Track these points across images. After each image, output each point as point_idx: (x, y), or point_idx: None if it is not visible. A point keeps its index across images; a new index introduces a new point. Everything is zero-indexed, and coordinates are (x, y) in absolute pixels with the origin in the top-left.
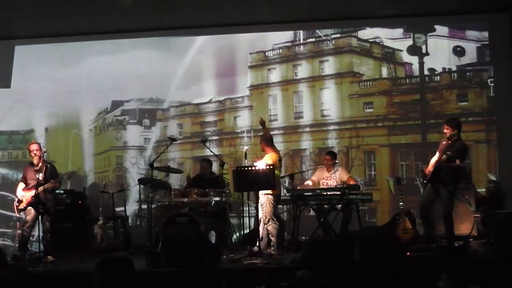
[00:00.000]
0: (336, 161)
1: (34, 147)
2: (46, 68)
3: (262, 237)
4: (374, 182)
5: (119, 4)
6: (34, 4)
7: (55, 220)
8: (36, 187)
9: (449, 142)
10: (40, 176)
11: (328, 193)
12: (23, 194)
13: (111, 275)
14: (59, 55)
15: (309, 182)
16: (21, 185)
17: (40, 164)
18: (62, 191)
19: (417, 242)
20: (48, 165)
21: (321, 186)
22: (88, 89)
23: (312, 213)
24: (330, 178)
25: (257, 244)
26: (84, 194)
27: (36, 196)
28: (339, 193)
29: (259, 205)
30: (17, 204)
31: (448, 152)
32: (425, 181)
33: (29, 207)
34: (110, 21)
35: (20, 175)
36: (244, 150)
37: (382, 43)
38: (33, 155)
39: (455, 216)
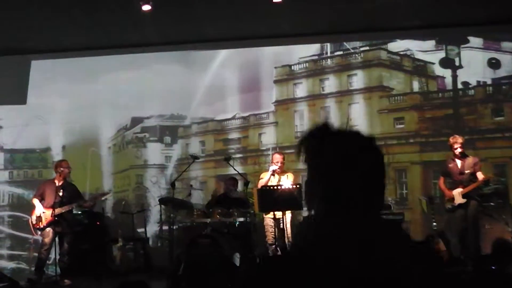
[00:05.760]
0: None
1: (65, 164)
2: (63, 83)
3: None
4: (406, 202)
5: (139, 17)
6: (51, 18)
7: (73, 242)
8: (58, 205)
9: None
10: (62, 194)
11: None
12: (44, 211)
13: None
14: (77, 70)
15: None
16: (37, 202)
17: (62, 182)
18: (79, 211)
19: (452, 265)
20: (71, 185)
21: None
22: (107, 105)
23: None
24: None
25: None
26: (102, 215)
27: (58, 215)
28: None
29: (288, 224)
30: (34, 223)
31: (467, 171)
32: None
33: (48, 228)
34: (129, 34)
35: None
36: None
37: (413, 56)
38: (60, 170)
39: (491, 236)
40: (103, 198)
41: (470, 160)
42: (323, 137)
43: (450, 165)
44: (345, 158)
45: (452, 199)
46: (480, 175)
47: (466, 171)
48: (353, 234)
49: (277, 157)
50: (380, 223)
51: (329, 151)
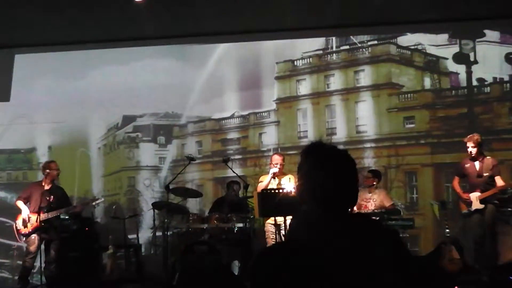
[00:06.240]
0: (374, 182)
1: (54, 166)
2: (50, 79)
3: None
4: (416, 206)
5: (131, 8)
6: (36, 9)
7: (60, 249)
8: (46, 210)
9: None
10: (50, 199)
11: None
12: (30, 216)
13: None
14: (64, 64)
15: None
16: (21, 204)
17: (50, 186)
18: (67, 216)
19: (466, 274)
20: (59, 188)
21: (362, 209)
22: (97, 102)
23: None
24: (369, 201)
25: None
26: (92, 220)
27: (45, 221)
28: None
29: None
30: (19, 228)
31: (485, 174)
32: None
33: (33, 235)
34: (122, 27)
35: None
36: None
37: (424, 51)
38: (47, 172)
39: (509, 243)
40: (94, 204)
41: (489, 161)
42: (307, 153)
43: (467, 166)
44: (318, 167)
45: (469, 202)
46: (499, 181)
47: (485, 174)
48: (326, 222)
49: (276, 158)
50: (350, 214)
51: (308, 163)
